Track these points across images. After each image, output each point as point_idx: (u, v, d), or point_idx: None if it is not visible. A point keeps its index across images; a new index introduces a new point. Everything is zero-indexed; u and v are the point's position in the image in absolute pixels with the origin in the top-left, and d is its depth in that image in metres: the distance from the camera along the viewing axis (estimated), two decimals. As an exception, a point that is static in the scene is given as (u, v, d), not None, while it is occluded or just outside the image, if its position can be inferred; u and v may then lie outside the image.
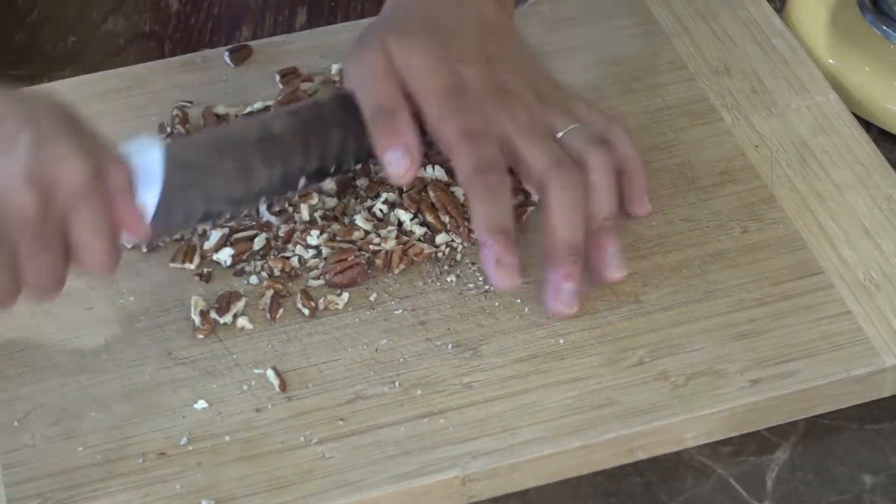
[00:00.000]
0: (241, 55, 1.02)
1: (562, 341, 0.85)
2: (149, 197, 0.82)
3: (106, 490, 0.79)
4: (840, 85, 0.99)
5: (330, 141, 0.87)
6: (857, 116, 0.97)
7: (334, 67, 1.00)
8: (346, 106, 0.87)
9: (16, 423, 0.82)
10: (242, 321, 0.86)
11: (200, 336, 0.85)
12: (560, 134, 0.86)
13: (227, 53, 1.02)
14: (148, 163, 0.82)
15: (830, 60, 1.01)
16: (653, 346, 0.84)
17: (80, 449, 0.81)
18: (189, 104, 0.98)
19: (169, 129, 0.97)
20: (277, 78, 1.00)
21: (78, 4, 1.10)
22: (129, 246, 0.89)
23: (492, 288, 0.87)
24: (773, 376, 0.83)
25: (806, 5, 1.04)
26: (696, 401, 0.82)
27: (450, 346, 0.85)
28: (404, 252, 0.89)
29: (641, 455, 0.82)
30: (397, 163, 0.84)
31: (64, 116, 0.79)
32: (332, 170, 0.88)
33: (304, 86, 0.99)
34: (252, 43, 1.03)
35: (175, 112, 0.97)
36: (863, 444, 0.83)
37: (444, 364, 0.84)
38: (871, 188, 0.92)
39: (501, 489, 0.81)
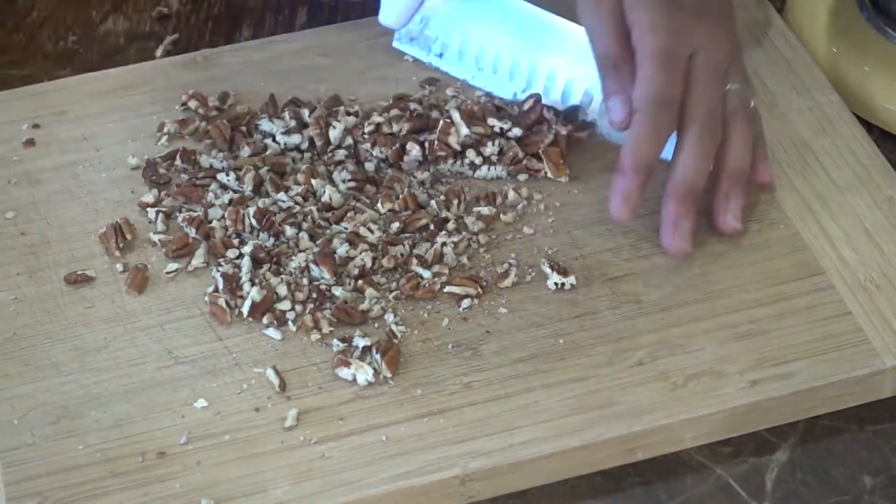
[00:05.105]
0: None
1: (562, 341, 0.85)
2: None
3: (105, 489, 0.79)
4: (841, 85, 0.99)
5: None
6: (858, 117, 0.97)
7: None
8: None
9: (16, 422, 0.82)
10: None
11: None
12: (728, 87, 0.90)
13: None
14: None
15: (830, 60, 1.01)
16: (653, 346, 0.84)
17: (80, 448, 0.81)
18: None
19: (167, 129, 0.97)
20: (278, 77, 1.00)
21: (78, 4, 1.10)
22: None
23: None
24: (773, 377, 0.83)
25: (806, 5, 1.04)
26: (696, 401, 0.82)
27: (450, 346, 0.85)
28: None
29: (641, 455, 0.82)
30: (620, 110, 0.87)
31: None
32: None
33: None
34: (252, 42, 1.03)
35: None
36: (862, 446, 0.83)
37: (443, 364, 0.84)
38: (872, 189, 0.92)
39: (501, 489, 0.81)
